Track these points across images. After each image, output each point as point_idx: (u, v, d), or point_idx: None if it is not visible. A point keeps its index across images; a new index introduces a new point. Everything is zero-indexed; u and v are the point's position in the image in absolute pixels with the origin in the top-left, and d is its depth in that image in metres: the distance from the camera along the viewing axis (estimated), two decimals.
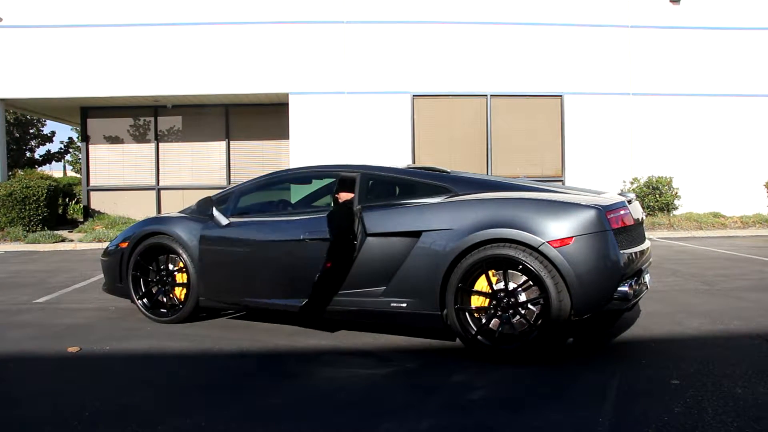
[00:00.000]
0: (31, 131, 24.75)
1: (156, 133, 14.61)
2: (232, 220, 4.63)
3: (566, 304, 3.56)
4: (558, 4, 13.23)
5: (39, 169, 23.12)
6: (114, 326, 4.79)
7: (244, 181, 5.19)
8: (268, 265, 4.34)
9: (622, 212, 3.82)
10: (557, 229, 3.61)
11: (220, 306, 4.76)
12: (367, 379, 3.47)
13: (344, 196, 4.67)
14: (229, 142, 14.45)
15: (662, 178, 13.01)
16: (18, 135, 23.69)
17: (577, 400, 3.11)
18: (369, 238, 4.09)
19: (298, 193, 5.34)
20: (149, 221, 5.16)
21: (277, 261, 4.28)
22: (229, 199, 4.86)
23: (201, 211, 4.79)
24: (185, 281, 4.76)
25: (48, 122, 24.48)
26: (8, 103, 14.05)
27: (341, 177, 4.63)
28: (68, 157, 29.24)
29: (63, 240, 11.48)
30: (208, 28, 12.91)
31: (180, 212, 5.13)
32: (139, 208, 13.79)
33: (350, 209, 4.33)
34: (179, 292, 4.85)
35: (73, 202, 16.09)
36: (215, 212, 4.65)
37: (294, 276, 4.18)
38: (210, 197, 4.84)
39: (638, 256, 3.90)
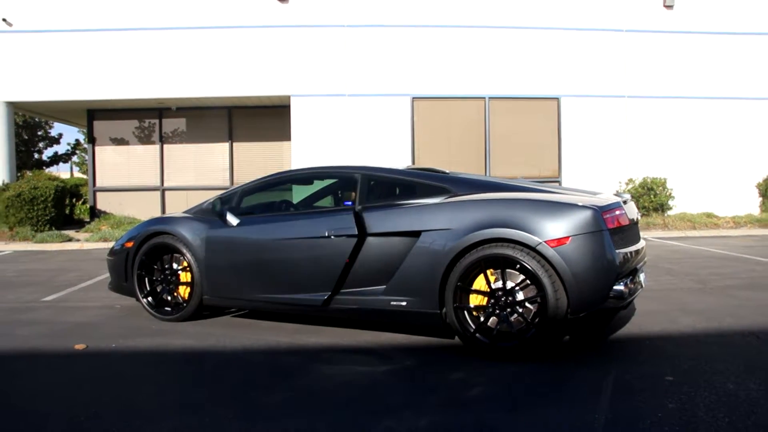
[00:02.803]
0: (39, 133, 24.90)
1: (160, 134, 14.71)
2: (242, 218, 4.71)
3: (563, 302, 3.60)
4: (555, 8, 13.27)
5: (47, 170, 23.28)
6: (119, 324, 4.86)
7: (247, 182, 5.25)
8: (289, 262, 4.39)
9: (617, 212, 3.87)
10: (554, 228, 3.66)
11: (223, 304, 4.83)
12: (367, 377, 3.52)
13: None
14: (232, 144, 14.54)
15: (657, 179, 13.07)
16: (26, 137, 23.85)
17: (574, 396, 3.15)
18: (369, 238, 4.15)
19: (299, 193, 5.40)
20: (154, 221, 5.21)
21: (301, 258, 4.34)
22: (233, 199, 4.93)
23: (214, 211, 4.85)
24: (189, 280, 4.82)
25: (55, 124, 24.67)
26: (17, 106, 14.16)
27: (343, 178, 4.69)
28: (75, 158, 29.38)
29: (70, 240, 11.58)
30: (212, 31, 13.00)
31: (184, 212, 5.19)
32: (144, 209, 13.87)
33: None
34: (183, 291, 4.91)
35: (80, 202, 16.21)
36: (226, 212, 4.73)
37: (317, 271, 4.26)
38: (221, 197, 4.92)
39: (633, 255, 3.95)
